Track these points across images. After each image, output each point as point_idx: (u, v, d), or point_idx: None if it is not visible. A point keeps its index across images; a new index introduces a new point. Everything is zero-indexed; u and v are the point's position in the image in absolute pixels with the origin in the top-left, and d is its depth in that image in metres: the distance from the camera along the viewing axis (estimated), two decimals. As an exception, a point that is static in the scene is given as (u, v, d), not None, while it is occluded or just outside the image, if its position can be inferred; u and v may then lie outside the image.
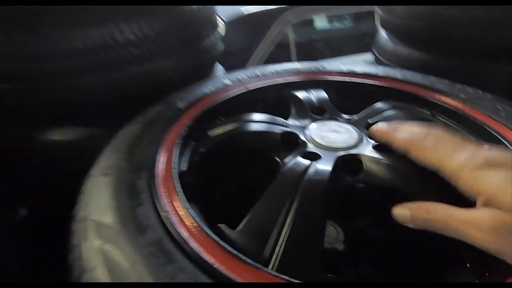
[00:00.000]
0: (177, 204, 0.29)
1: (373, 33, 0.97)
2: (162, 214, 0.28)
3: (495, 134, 0.37)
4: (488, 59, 0.65)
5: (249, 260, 0.24)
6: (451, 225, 0.25)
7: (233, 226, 0.30)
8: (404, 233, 0.29)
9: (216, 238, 0.26)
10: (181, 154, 0.39)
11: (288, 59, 1.51)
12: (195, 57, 0.64)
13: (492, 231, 0.23)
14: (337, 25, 1.74)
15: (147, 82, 0.57)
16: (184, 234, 0.26)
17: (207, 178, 0.40)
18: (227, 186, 0.39)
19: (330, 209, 0.33)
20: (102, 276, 0.24)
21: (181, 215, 0.28)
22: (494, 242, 0.23)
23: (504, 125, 0.38)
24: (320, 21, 1.70)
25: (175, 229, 0.27)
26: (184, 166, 0.38)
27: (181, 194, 0.31)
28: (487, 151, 0.27)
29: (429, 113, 0.44)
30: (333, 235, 0.40)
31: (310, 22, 1.69)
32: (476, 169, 0.25)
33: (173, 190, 0.31)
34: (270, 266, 0.26)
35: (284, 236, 0.27)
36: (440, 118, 0.45)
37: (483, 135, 0.39)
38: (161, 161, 0.35)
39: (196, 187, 0.37)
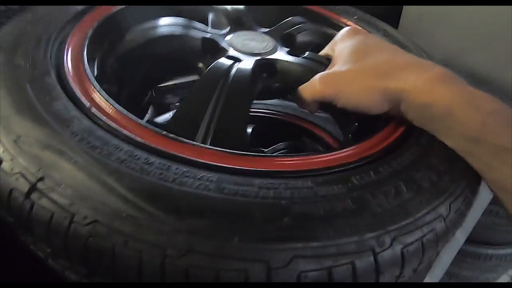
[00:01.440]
0: (95, 96, 0.28)
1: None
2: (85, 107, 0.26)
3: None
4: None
5: (180, 138, 0.26)
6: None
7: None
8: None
9: (145, 123, 0.26)
10: (91, 58, 0.35)
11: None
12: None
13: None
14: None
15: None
16: (112, 123, 0.26)
17: (124, 86, 0.37)
18: (146, 91, 0.38)
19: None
20: (23, 164, 0.22)
21: (103, 106, 0.27)
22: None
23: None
24: None
25: (101, 119, 0.26)
26: (97, 71, 0.35)
27: (101, 90, 0.29)
28: None
29: (331, 29, 0.51)
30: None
31: None
32: None
33: (88, 85, 0.29)
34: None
35: (216, 120, 0.29)
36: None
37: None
38: (68, 58, 0.31)
39: (113, 94, 0.35)
